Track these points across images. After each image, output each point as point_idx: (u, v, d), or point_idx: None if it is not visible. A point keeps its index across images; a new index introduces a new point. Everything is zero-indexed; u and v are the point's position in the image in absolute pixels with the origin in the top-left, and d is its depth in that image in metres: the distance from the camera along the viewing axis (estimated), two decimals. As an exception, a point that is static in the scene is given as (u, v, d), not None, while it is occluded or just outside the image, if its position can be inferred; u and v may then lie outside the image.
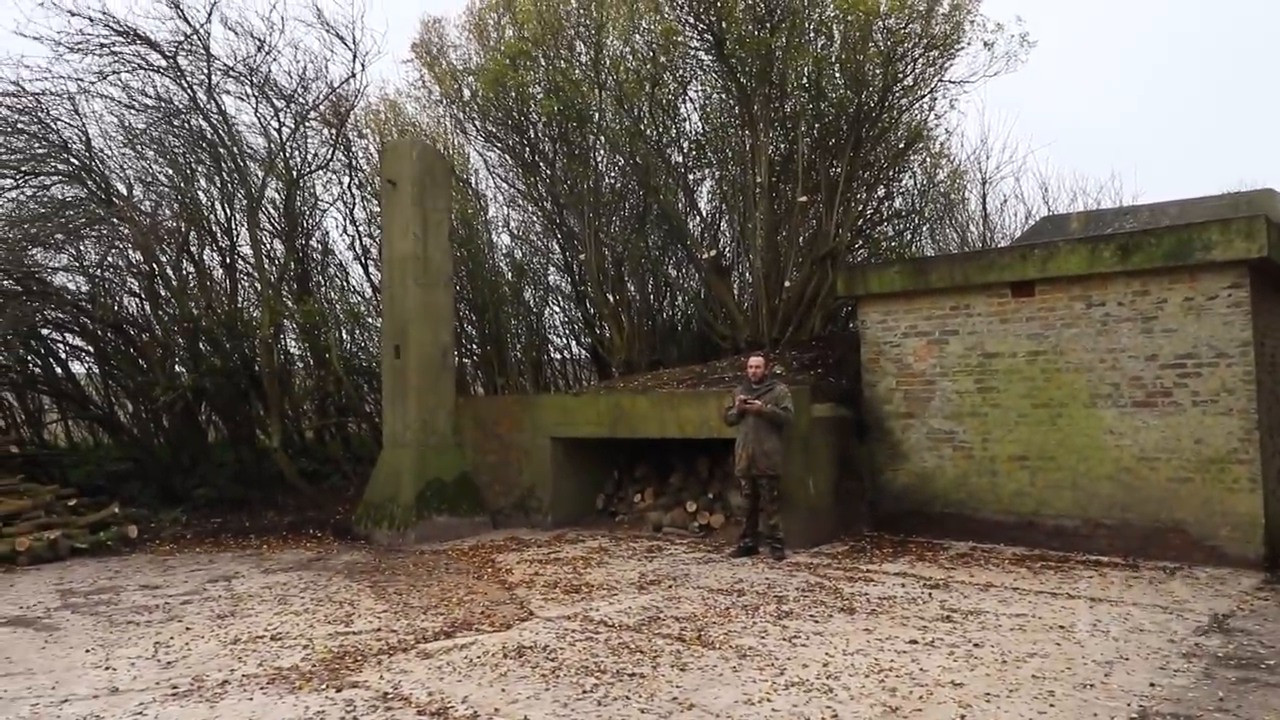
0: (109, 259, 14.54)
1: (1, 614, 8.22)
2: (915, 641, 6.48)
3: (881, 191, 16.44)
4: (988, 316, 10.43)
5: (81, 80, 13.02)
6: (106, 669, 6.32)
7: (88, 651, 6.79)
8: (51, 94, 13.12)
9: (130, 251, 14.07)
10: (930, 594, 8.00)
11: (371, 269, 16.61)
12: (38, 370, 15.31)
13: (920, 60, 13.97)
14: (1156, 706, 5.11)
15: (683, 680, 5.70)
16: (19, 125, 13.17)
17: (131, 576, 9.81)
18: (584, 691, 5.52)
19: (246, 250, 14.33)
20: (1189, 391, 9.14)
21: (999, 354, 10.34)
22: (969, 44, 14.03)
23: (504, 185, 17.45)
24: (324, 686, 5.76)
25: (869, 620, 7.12)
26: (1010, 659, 6.04)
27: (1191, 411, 9.11)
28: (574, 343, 18.57)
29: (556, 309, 18.36)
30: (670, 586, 8.55)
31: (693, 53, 14.67)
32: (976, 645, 6.37)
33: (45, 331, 14.81)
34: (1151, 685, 5.48)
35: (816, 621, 7.12)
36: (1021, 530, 10.04)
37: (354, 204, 15.96)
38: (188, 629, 7.39)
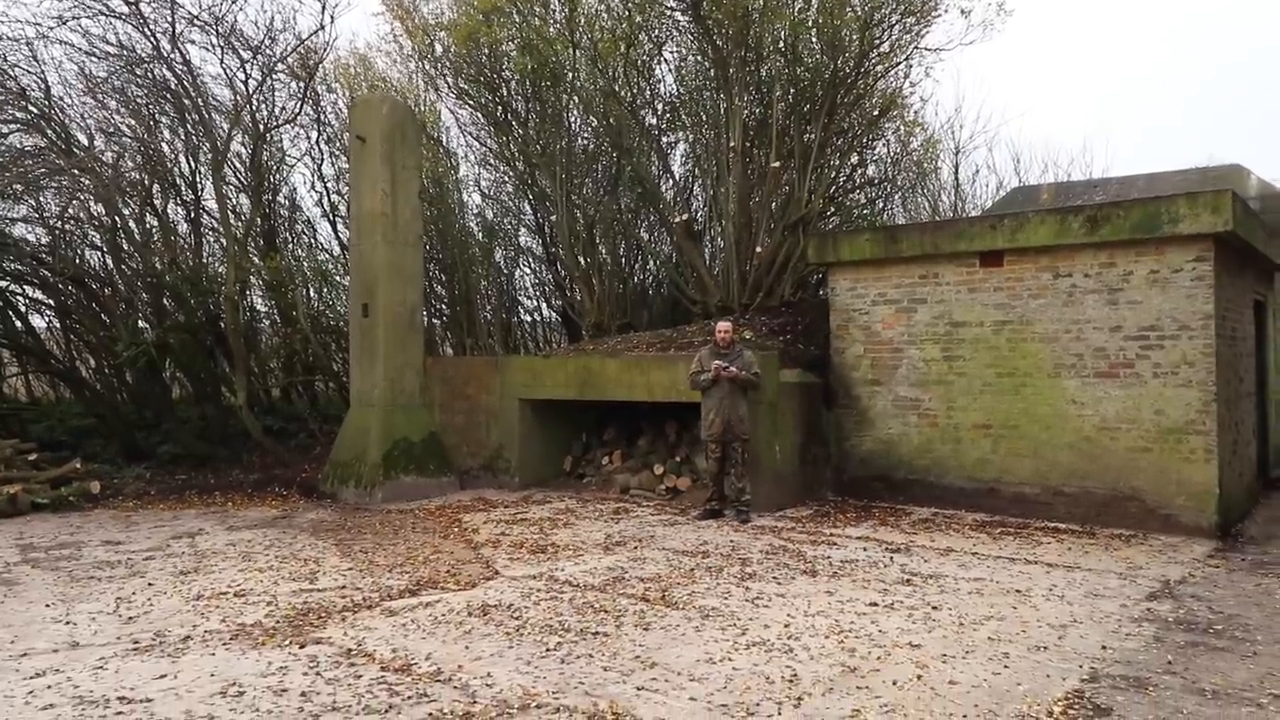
0: (70, 210, 14.35)
1: (-41, 568, 8.20)
2: (875, 604, 6.62)
3: (855, 159, 16.45)
4: (956, 286, 10.51)
5: (40, 25, 12.75)
6: (67, 624, 6.33)
7: (47, 606, 6.80)
8: (8, 39, 12.89)
9: (91, 203, 13.88)
10: (891, 558, 8.14)
11: (340, 226, 16.49)
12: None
13: (897, 26, 13.97)
14: (1107, 668, 5.26)
15: (645, 639, 5.79)
16: (-22, 72, 12.90)
17: (94, 532, 9.77)
18: (547, 650, 5.60)
19: (211, 205, 14.14)
20: (1151, 363, 9.28)
21: (966, 323, 10.43)
22: (946, 11, 14.04)
23: (475, 144, 17.39)
24: (287, 642, 5.81)
25: (830, 583, 7.25)
26: (967, 621, 6.18)
27: (1152, 383, 9.25)
28: (544, 305, 18.58)
29: (527, 270, 18.32)
30: (635, 548, 8.63)
31: (669, 13, 14.58)
32: (935, 608, 6.51)
33: (4, 284, 14.57)
34: (1103, 648, 5.63)
35: (779, 583, 7.24)
36: (983, 497, 10.20)
37: (322, 160, 15.86)
38: (150, 585, 7.40)
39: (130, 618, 6.43)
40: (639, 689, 4.92)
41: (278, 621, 6.28)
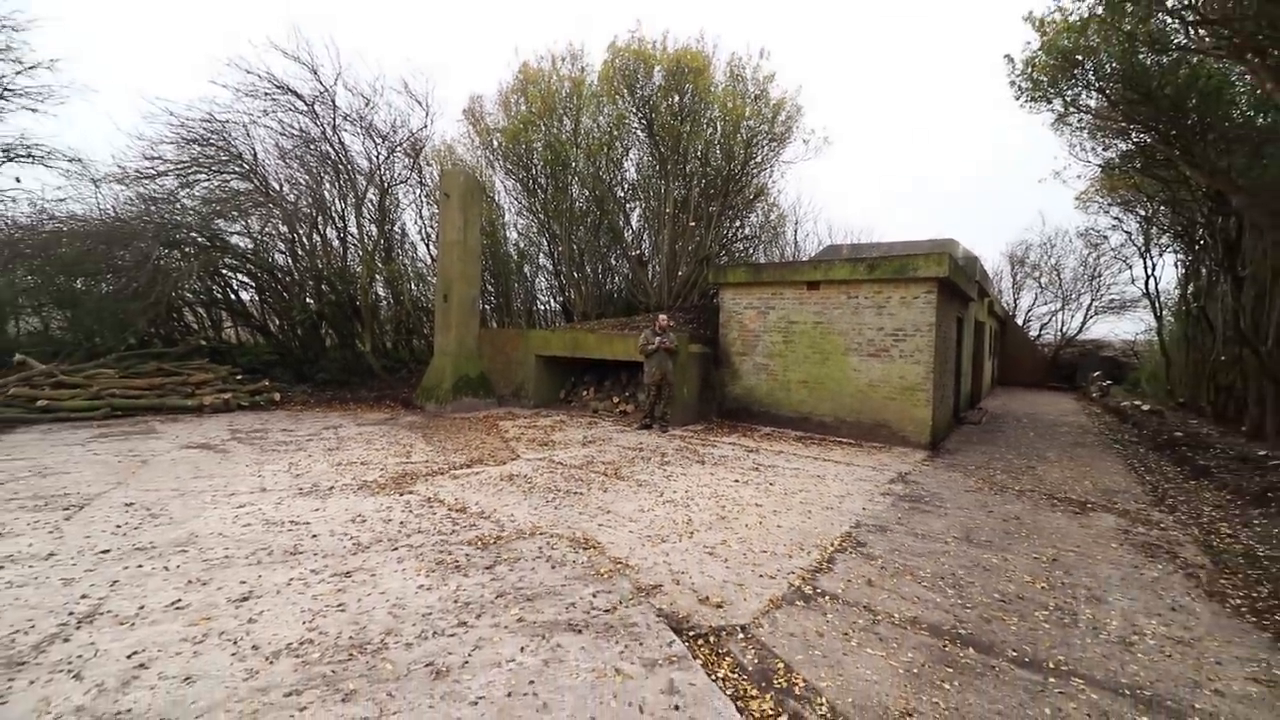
0: (266, 229, 13.86)
1: (194, 441, 7.96)
2: (737, 481, 6.70)
3: (738, 223, 16.54)
4: (792, 300, 10.59)
5: (251, 115, 12.27)
6: (258, 476, 6.20)
7: (246, 466, 6.64)
8: (232, 122, 12.35)
9: (280, 225, 13.41)
10: (748, 455, 8.22)
11: (431, 248, 16.08)
12: (219, 296, 14.56)
13: (766, 147, 14.02)
14: (865, 520, 5.43)
15: (604, 497, 5.84)
16: (211, 140, 12.34)
17: (275, 424, 9.52)
18: (546, 501, 5.62)
19: (354, 230, 13.77)
20: (899, 350, 9.46)
21: (797, 322, 10.53)
22: (794, 139, 14.11)
23: (514, 201, 17.10)
24: (393, 492, 5.76)
25: (712, 468, 7.32)
26: (789, 492, 6.30)
27: (899, 360, 9.45)
28: (552, 300, 18.38)
29: (543, 280, 18.16)
30: (600, 445, 8.61)
31: (633, 130, 14.45)
32: (771, 484, 6.61)
33: (225, 272, 14.07)
34: (863, 509, 5.80)
35: (683, 468, 7.29)
36: (801, 422, 10.36)
37: (421, 206, 15.49)
38: (309, 456, 7.25)
39: (297, 474, 6.32)
40: (599, 525, 4.98)
41: (386, 480, 6.21)
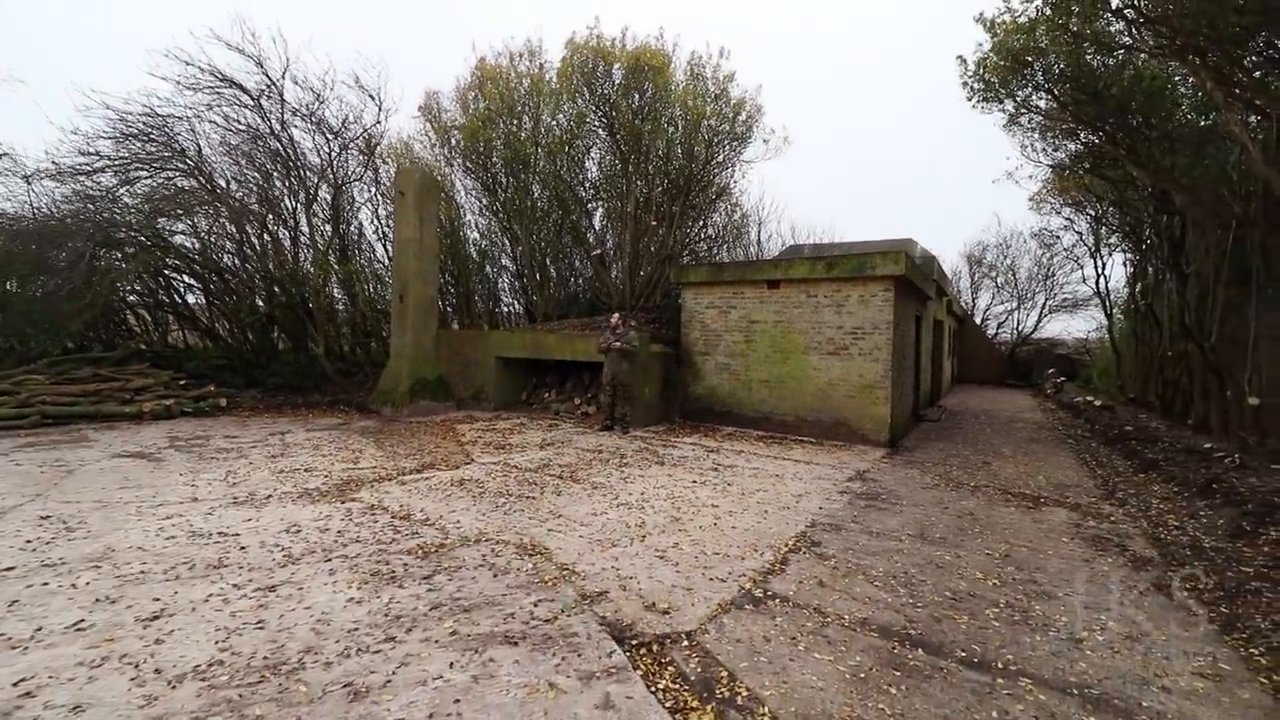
0: (213, 229, 13.30)
1: (126, 450, 7.52)
2: (695, 481, 6.59)
3: (702, 223, 16.36)
4: (753, 299, 10.54)
5: (193, 109, 11.73)
6: (191, 486, 5.86)
7: (180, 475, 6.27)
8: (175, 117, 11.78)
9: (227, 224, 12.88)
10: (708, 455, 8.11)
11: (388, 247, 15.54)
12: (164, 299, 13.92)
13: (727, 146, 13.93)
14: (820, 519, 5.36)
15: (557, 501, 5.66)
16: (152, 136, 11.76)
17: (219, 430, 9.09)
18: (496, 506, 5.42)
19: (305, 229, 13.27)
20: (858, 348, 9.48)
21: (758, 321, 10.49)
22: (755, 139, 14.07)
23: (474, 201, 16.66)
24: (334, 500, 5.49)
25: (671, 469, 7.20)
26: (746, 492, 6.21)
27: (858, 359, 9.46)
28: (515, 301, 18.05)
29: (505, 280, 17.76)
30: (559, 447, 8.41)
31: (595, 129, 14.23)
32: (729, 484, 6.52)
33: (170, 274, 13.45)
34: (820, 508, 5.73)
35: (641, 469, 7.15)
36: (763, 421, 10.31)
37: (378, 205, 15.01)
38: (250, 463, 6.89)
39: (234, 483, 5.99)
40: (549, 530, 4.81)
41: (330, 488, 5.92)
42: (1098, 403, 15.16)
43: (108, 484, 5.90)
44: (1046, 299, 27.87)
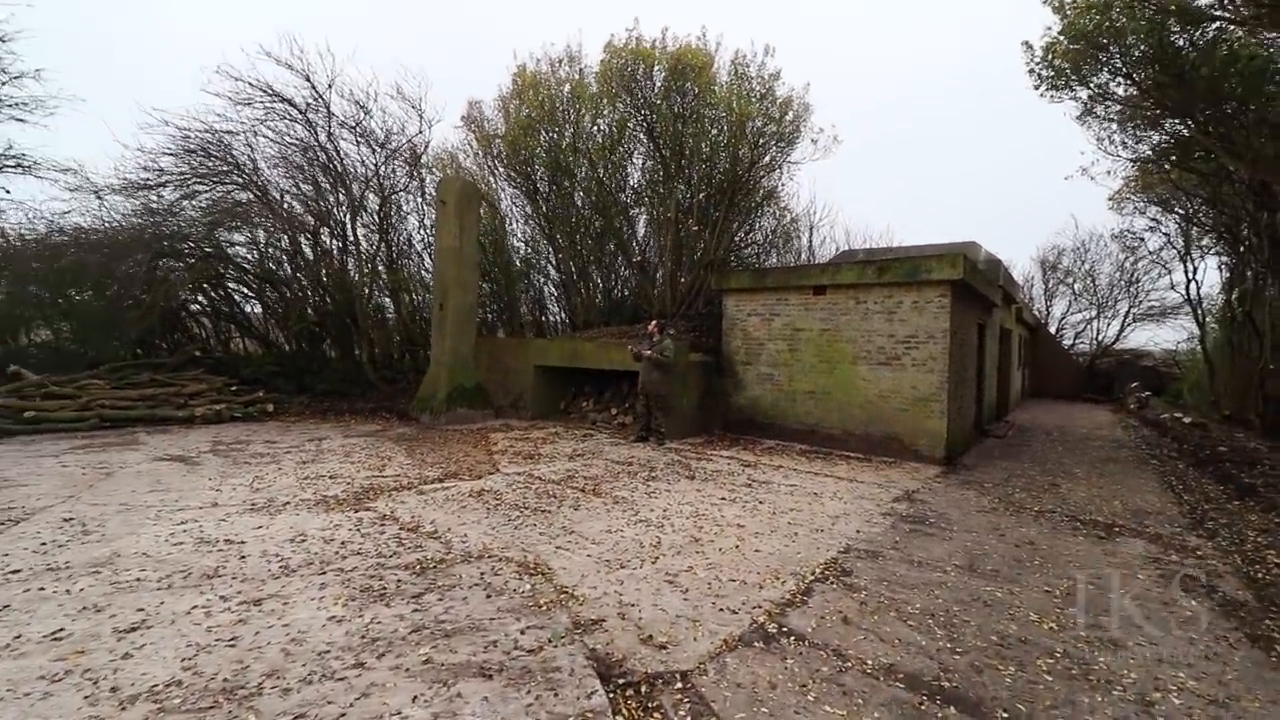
0: (270, 240, 13.76)
1: (169, 453, 7.74)
2: (725, 498, 6.23)
3: (748, 228, 15.78)
4: (798, 306, 10.09)
5: (246, 124, 12.22)
6: (216, 490, 5.91)
7: (209, 479, 6.36)
8: (231, 132, 12.30)
9: (280, 235, 13.32)
10: (743, 470, 7.72)
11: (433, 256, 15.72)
12: (224, 308, 14.51)
13: (774, 148, 13.47)
14: (856, 545, 4.92)
15: (573, 515, 5.42)
16: (210, 151, 12.32)
17: (261, 435, 9.30)
18: (508, 520, 5.22)
19: (353, 239, 13.53)
20: (911, 358, 8.90)
21: (803, 329, 10.02)
22: (804, 139, 13.56)
23: (518, 209, 16.64)
24: (348, 509, 5.40)
25: (701, 484, 6.85)
26: (778, 511, 5.82)
27: (911, 370, 8.88)
28: (558, 309, 17.93)
29: (549, 288, 17.68)
30: (589, 458, 8.18)
31: (636, 134, 14.03)
32: (760, 502, 6.14)
33: (230, 284, 14.03)
34: (858, 531, 5.29)
35: (669, 483, 6.84)
36: (807, 435, 9.82)
37: (424, 215, 15.19)
38: (280, 469, 6.94)
39: (257, 489, 6.01)
40: (557, 548, 4.55)
41: (348, 495, 5.85)
42: (1187, 420, 13.85)
43: (139, 487, 6.01)
44: (1130, 307, 25.92)
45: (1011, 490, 7.21)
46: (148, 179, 11.91)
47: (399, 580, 3.83)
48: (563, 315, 17.95)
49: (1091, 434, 12.86)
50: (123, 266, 11.54)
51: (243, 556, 4.18)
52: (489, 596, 3.63)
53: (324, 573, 3.93)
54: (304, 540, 4.53)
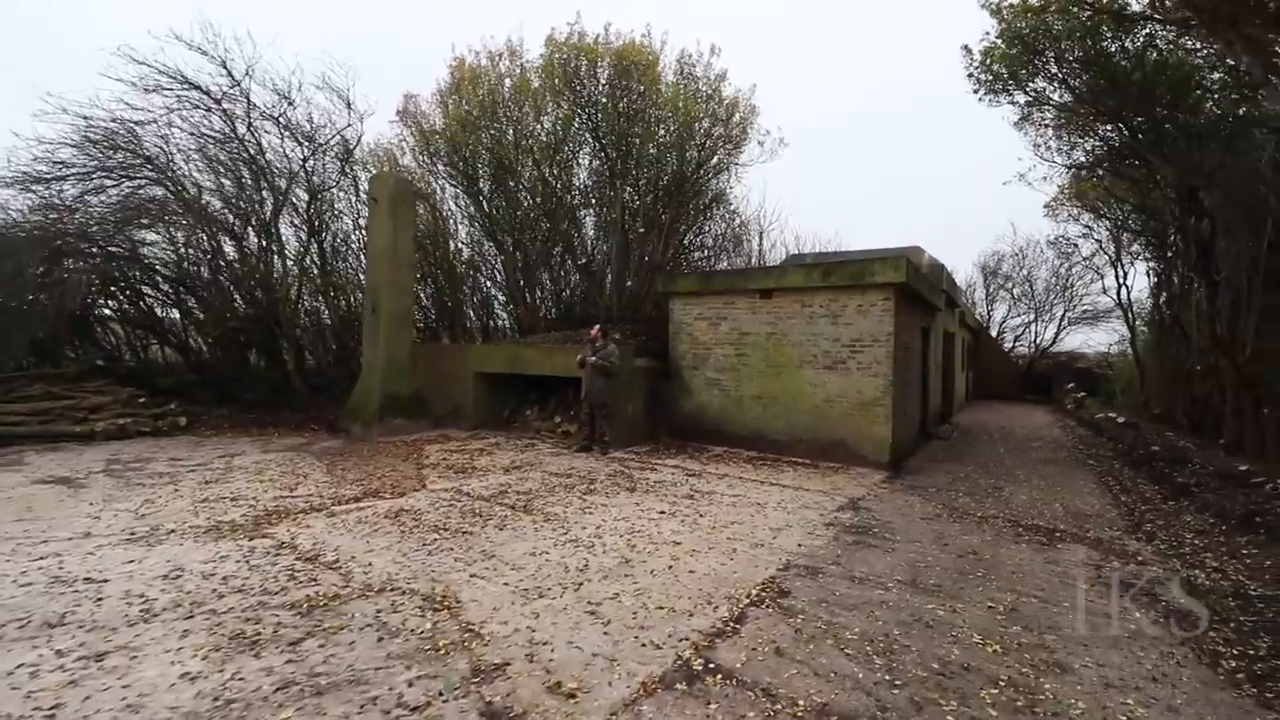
0: (190, 239, 12.79)
1: (52, 474, 6.96)
2: (664, 512, 5.90)
3: (696, 231, 15.60)
4: (745, 310, 9.88)
5: (153, 112, 11.30)
6: (94, 519, 5.25)
7: (91, 504, 5.68)
8: (141, 123, 11.38)
9: (197, 234, 12.41)
10: (687, 480, 7.41)
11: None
12: (131, 312, 13.41)
13: (721, 150, 13.33)
14: (797, 560, 4.65)
15: (497, 537, 4.99)
16: (119, 143, 11.38)
17: (168, 451, 8.52)
18: (423, 544, 4.76)
19: (278, 239, 12.73)
20: (856, 361, 8.78)
21: (750, 333, 9.82)
22: (750, 141, 13.46)
23: (459, 209, 16.01)
24: (242, 537, 4.84)
25: (640, 497, 6.50)
26: (719, 525, 5.52)
27: (856, 374, 8.76)
28: (503, 313, 17.36)
29: (493, 291, 17.10)
30: (526, 470, 7.74)
31: (581, 134, 13.66)
32: (701, 515, 5.83)
33: (143, 287, 12.99)
34: (799, 545, 5.03)
35: (607, 497, 6.46)
36: (755, 441, 9.60)
37: (358, 213, 14.43)
38: (176, 490, 6.28)
39: (143, 515, 5.37)
40: (471, 576, 4.14)
41: (247, 520, 5.28)
42: (1120, 419, 14.25)
43: (4, 516, 5.32)
44: (1065, 310, 26.89)
45: (955, 495, 7.11)
46: (45, 172, 10.92)
47: (278, 623, 3.35)
48: (510, 320, 17.42)
49: (1032, 435, 13.08)
50: (14, 267, 10.53)
51: (99, 599, 3.63)
52: (380, 640, 3.19)
53: (191, 616, 3.42)
54: (179, 576, 4.00)
